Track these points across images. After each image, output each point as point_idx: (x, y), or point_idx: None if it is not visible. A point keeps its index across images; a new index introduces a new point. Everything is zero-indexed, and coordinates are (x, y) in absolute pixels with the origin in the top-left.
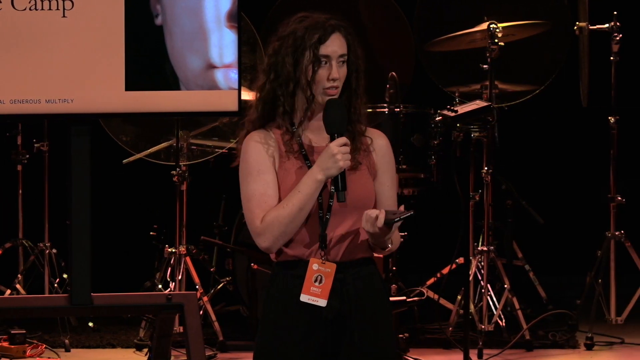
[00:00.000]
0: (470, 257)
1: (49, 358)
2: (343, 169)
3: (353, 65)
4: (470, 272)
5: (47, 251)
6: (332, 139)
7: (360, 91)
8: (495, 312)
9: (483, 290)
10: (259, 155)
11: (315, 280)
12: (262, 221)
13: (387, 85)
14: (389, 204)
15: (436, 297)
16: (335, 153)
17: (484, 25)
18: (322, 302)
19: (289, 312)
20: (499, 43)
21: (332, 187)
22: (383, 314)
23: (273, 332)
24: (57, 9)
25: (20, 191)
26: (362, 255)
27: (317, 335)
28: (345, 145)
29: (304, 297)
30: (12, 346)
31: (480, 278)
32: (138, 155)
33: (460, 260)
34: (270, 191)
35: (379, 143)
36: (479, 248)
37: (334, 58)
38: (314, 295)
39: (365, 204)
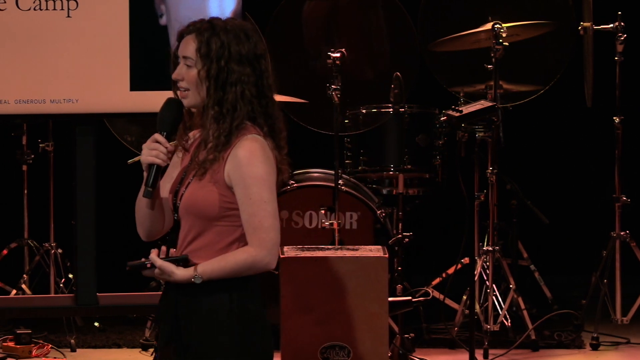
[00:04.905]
0: (476, 257)
1: (54, 358)
2: (145, 164)
3: (205, 70)
4: (475, 272)
5: (53, 251)
6: None
7: (213, 98)
8: (500, 312)
9: (488, 290)
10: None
11: None
12: None
13: (392, 85)
14: (242, 218)
15: (441, 297)
16: (143, 147)
17: (488, 26)
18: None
19: None
20: (504, 43)
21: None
22: (199, 334)
23: None
24: (62, 9)
25: (26, 191)
26: (197, 262)
27: (163, 334)
28: (157, 142)
29: None
30: (18, 346)
31: (485, 278)
32: None
33: (466, 260)
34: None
35: (234, 155)
36: (484, 248)
37: (180, 59)
38: None
39: (194, 212)
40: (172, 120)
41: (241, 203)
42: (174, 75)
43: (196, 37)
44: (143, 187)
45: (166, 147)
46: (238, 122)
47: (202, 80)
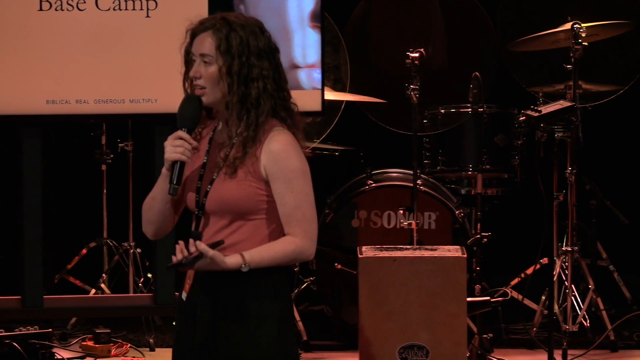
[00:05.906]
0: (555, 258)
1: (133, 357)
2: (170, 161)
3: (227, 67)
4: (554, 273)
5: (132, 251)
6: None
7: (236, 95)
8: (579, 313)
9: (567, 291)
10: None
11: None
12: None
13: (471, 85)
14: (283, 211)
15: (520, 297)
16: (165, 145)
17: (567, 25)
18: (184, 296)
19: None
20: (583, 43)
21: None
22: (234, 334)
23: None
24: (141, 9)
25: (105, 191)
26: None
27: (187, 332)
28: (180, 139)
29: (183, 295)
30: (97, 345)
31: (564, 278)
32: None
33: (545, 260)
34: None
35: (268, 149)
36: (563, 248)
37: (196, 57)
38: (185, 290)
39: (231, 208)
40: (193, 117)
41: (282, 196)
42: (192, 73)
43: (214, 33)
44: (168, 185)
45: (191, 144)
46: (263, 117)
47: (223, 77)
